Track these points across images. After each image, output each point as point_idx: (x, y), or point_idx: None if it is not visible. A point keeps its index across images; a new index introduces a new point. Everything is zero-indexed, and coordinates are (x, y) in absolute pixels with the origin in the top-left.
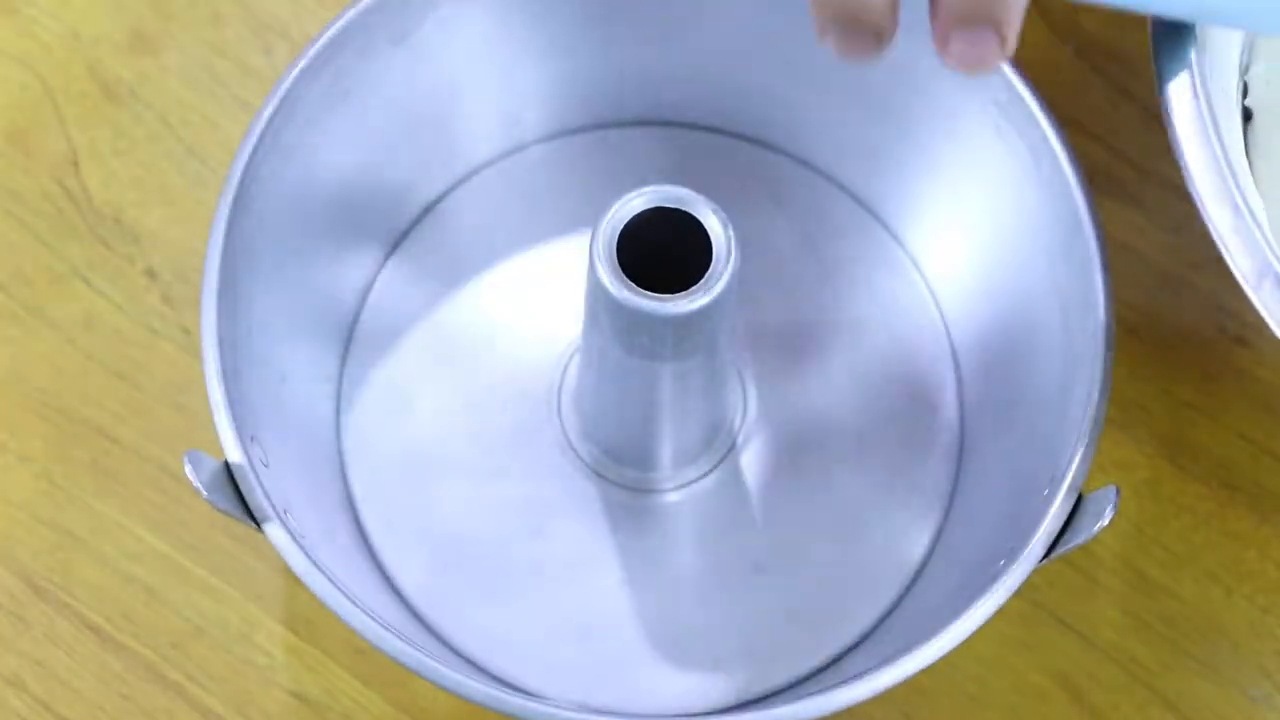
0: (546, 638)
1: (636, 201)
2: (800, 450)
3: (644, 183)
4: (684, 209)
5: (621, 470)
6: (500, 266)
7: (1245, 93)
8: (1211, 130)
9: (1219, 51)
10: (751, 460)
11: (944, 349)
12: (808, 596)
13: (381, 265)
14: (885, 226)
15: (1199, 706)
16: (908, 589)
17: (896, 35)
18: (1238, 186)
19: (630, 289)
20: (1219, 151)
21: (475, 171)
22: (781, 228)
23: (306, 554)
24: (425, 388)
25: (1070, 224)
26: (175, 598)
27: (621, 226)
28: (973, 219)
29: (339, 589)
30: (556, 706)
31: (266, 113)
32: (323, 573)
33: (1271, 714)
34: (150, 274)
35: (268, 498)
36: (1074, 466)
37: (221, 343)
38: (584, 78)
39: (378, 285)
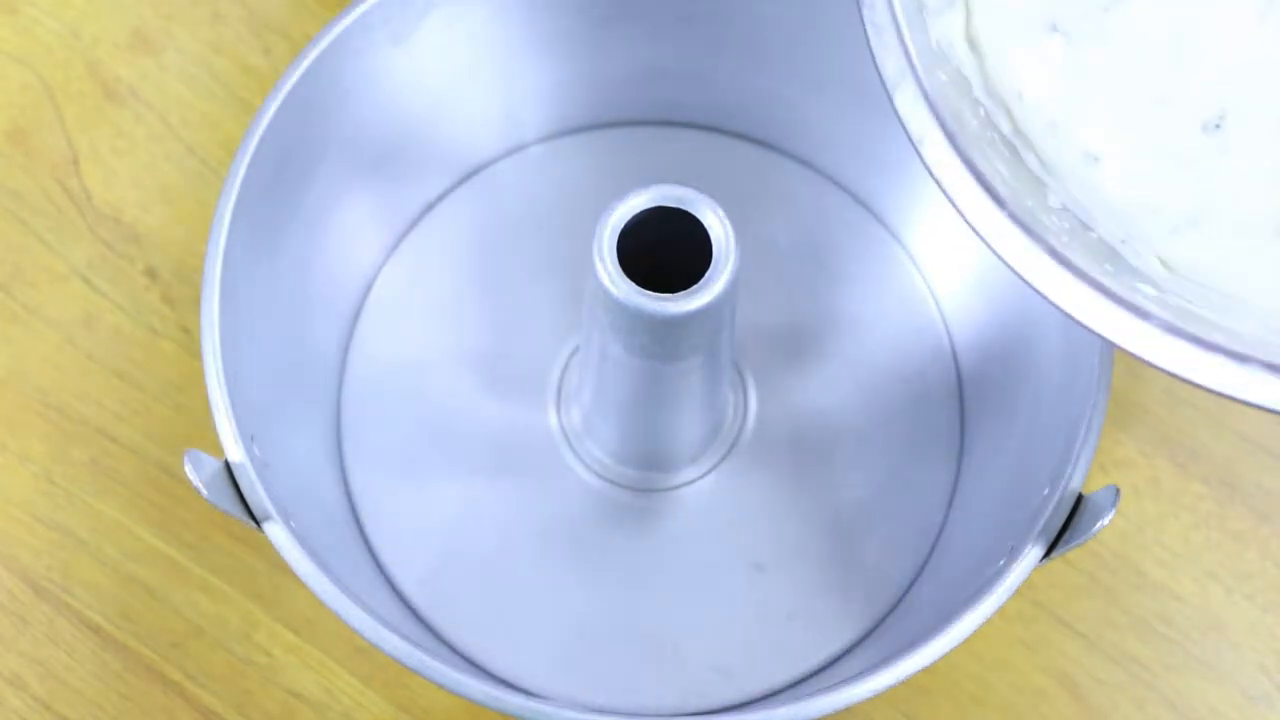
0: (546, 638)
1: (637, 201)
2: (800, 450)
3: (644, 183)
4: (684, 209)
5: (622, 470)
6: (500, 266)
7: None
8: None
9: None
10: (751, 460)
11: (944, 349)
12: (808, 596)
13: (382, 265)
14: (885, 226)
15: (1199, 706)
16: (908, 589)
17: None
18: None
19: (631, 288)
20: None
21: (475, 171)
22: (781, 228)
23: (307, 554)
24: (426, 387)
25: None
26: (175, 598)
27: (622, 226)
28: None
29: (339, 589)
30: (556, 706)
31: (267, 113)
32: (323, 573)
33: (1271, 714)
34: (150, 274)
35: (268, 498)
36: (1074, 466)
37: (222, 343)
38: (584, 78)
39: (378, 284)
